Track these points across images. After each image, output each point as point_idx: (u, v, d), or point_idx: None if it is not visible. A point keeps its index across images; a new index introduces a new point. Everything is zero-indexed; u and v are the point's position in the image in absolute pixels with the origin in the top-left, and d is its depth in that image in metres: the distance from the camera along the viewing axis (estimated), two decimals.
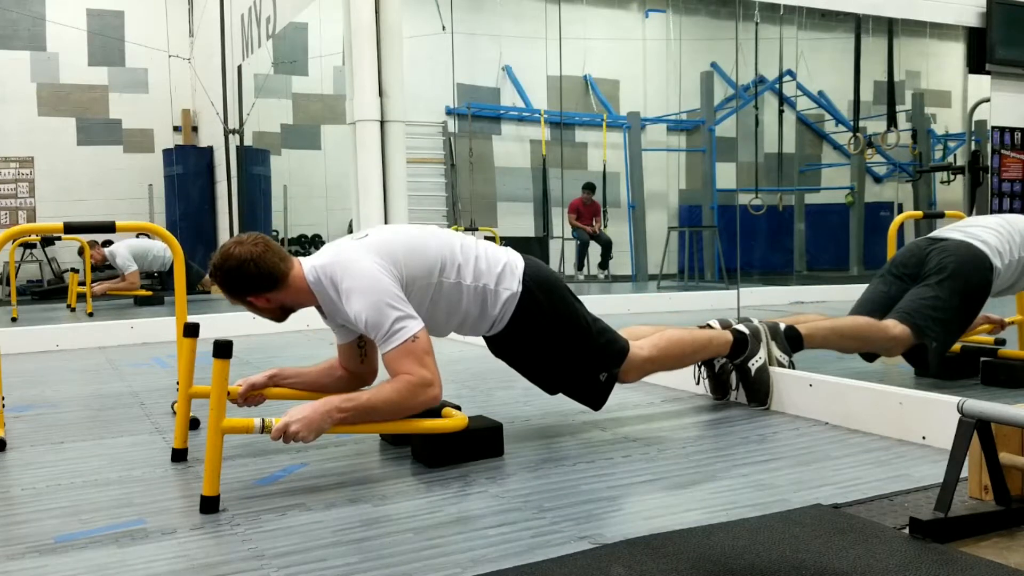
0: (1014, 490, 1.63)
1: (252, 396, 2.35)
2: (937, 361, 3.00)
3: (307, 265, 2.21)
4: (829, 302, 6.66)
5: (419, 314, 2.17)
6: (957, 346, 3.35)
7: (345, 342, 2.38)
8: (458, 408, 2.28)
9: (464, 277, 2.26)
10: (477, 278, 2.27)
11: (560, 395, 2.48)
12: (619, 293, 8.55)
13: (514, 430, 2.52)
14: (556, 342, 2.39)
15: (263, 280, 2.16)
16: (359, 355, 2.39)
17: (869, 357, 3.20)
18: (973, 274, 3.01)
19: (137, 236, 8.27)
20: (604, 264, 10.49)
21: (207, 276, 8.46)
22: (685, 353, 2.66)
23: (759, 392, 2.72)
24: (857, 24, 8.04)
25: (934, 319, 2.94)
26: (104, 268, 8.38)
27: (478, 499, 1.90)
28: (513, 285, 2.31)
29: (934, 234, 3.23)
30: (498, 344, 2.45)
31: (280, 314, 2.28)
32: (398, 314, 2.06)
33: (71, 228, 2.66)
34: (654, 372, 2.62)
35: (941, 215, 4.64)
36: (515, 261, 2.36)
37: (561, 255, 10.19)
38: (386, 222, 4.49)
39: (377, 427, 2.32)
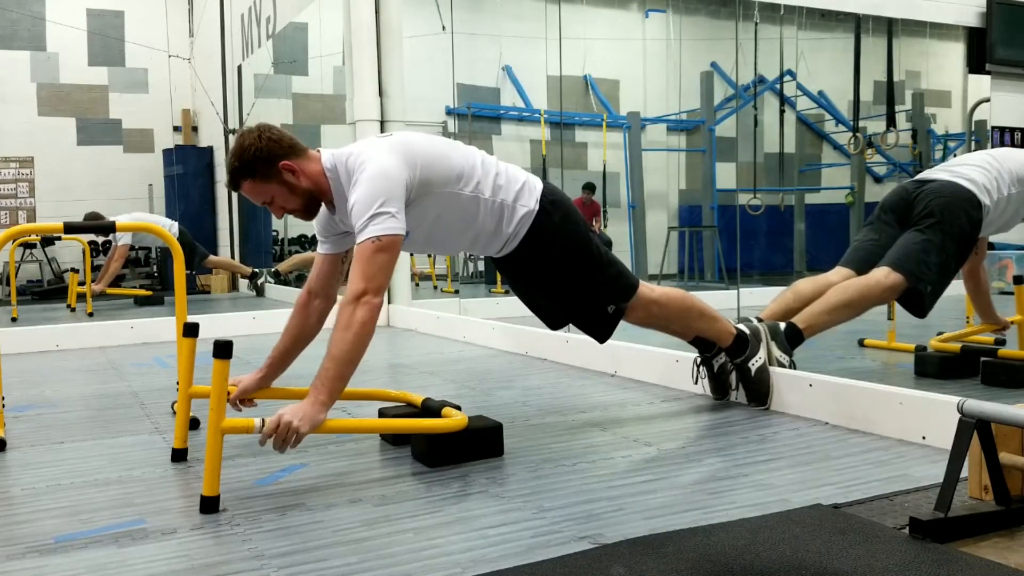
0: (1014, 490, 1.63)
1: (245, 402, 2.36)
2: (931, 304, 2.99)
3: (326, 152, 2.22)
4: None
5: (428, 221, 2.21)
6: (957, 346, 3.35)
7: (335, 252, 2.36)
8: (458, 408, 2.28)
9: (482, 191, 2.27)
10: (495, 193, 2.29)
11: (558, 395, 2.48)
12: None
13: (514, 430, 2.52)
14: (567, 265, 2.40)
15: (287, 144, 2.17)
16: (340, 272, 2.38)
17: None
18: (962, 215, 3.00)
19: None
20: None
21: (211, 257, 8.48)
22: (691, 312, 2.66)
23: (759, 392, 2.72)
24: (857, 24, 8.03)
25: (927, 264, 2.94)
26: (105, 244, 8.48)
27: (478, 499, 1.90)
28: (530, 203, 2.33)
29: (921, 176, 3.22)
30: (508, 265, 2.46)
31: (311, 200, 2.22)
32: (381, 209, 2.05)
33: (71, 228, 2.66)
34: (658, 317, 2.62)
35: None
36: (534, 182, 2.39)
37: None
38: None
39: (377, 427, 2.33)
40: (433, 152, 2.22)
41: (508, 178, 2.32)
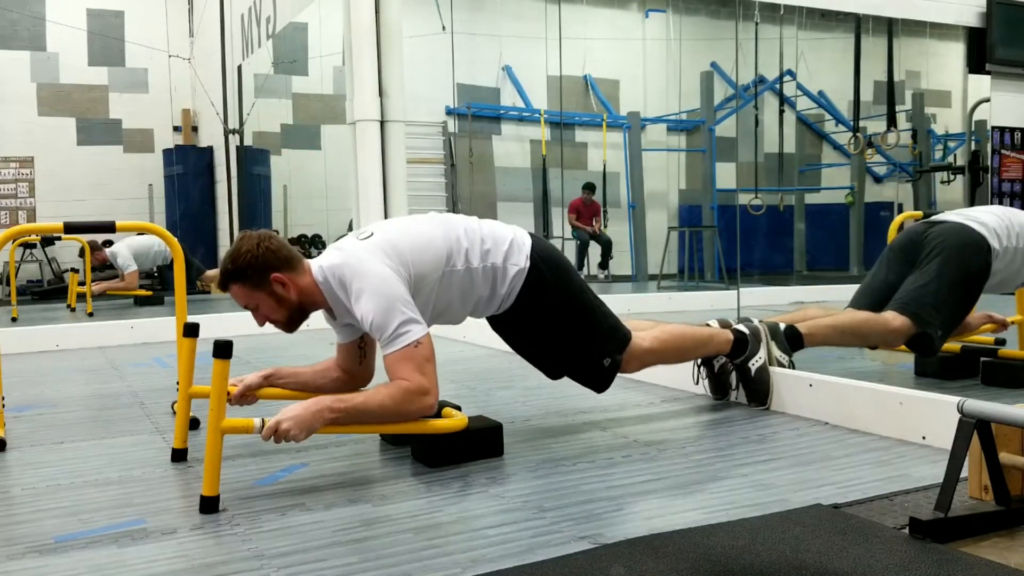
0: (1014, 490, 1.63)
1: (246, 397, 2.35)
2: (940, 346, 2.98)
3: (314, 266, 2.21)
4: (829, 302, 6.65)
5: (431, 304, 2.21)
6: (957, 346, 3.35)
7: (347, 341, 2.38)
8: (458, 408, 2.28)
9: (472, 261, 2.26)
10: (484, 258, 2.28)
11: (558, 395, 2.48)
12: (619, 293, 8.55)
13: (514, 430, 2.52)
14: (562, 319, 2.39)
15: (283, 257, 2.16)
16: (359, 356, 2.39)
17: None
18: (971, 257, 2.97)
19: (139, 234, 8.26)
20: (604, 264, 10.49)
21: (207, 272, 8.45)
22: (686, 348, 2.66)
23: (759, 392, 2.72)
24: (857, 24, 8.04)
25: (934, 307, 2.91)
26: (106, 269, 8.36)
27: (478, 499, 1.90)
28: (520, 261, 2.32)
29: (932, 217, 3.20)
30: (504, 323, 2.45)
31: (296, 313, 2.22)
32: (404, 317, 2.06)
33: (71, 228, 2.66)
34: (654, 364, 2.62)
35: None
36: (522, 238, 2.37)
37: None
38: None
39: (377, 427, 2.32)
40: (418, 243, 2.21)
41: (495, 240, 2.31)
